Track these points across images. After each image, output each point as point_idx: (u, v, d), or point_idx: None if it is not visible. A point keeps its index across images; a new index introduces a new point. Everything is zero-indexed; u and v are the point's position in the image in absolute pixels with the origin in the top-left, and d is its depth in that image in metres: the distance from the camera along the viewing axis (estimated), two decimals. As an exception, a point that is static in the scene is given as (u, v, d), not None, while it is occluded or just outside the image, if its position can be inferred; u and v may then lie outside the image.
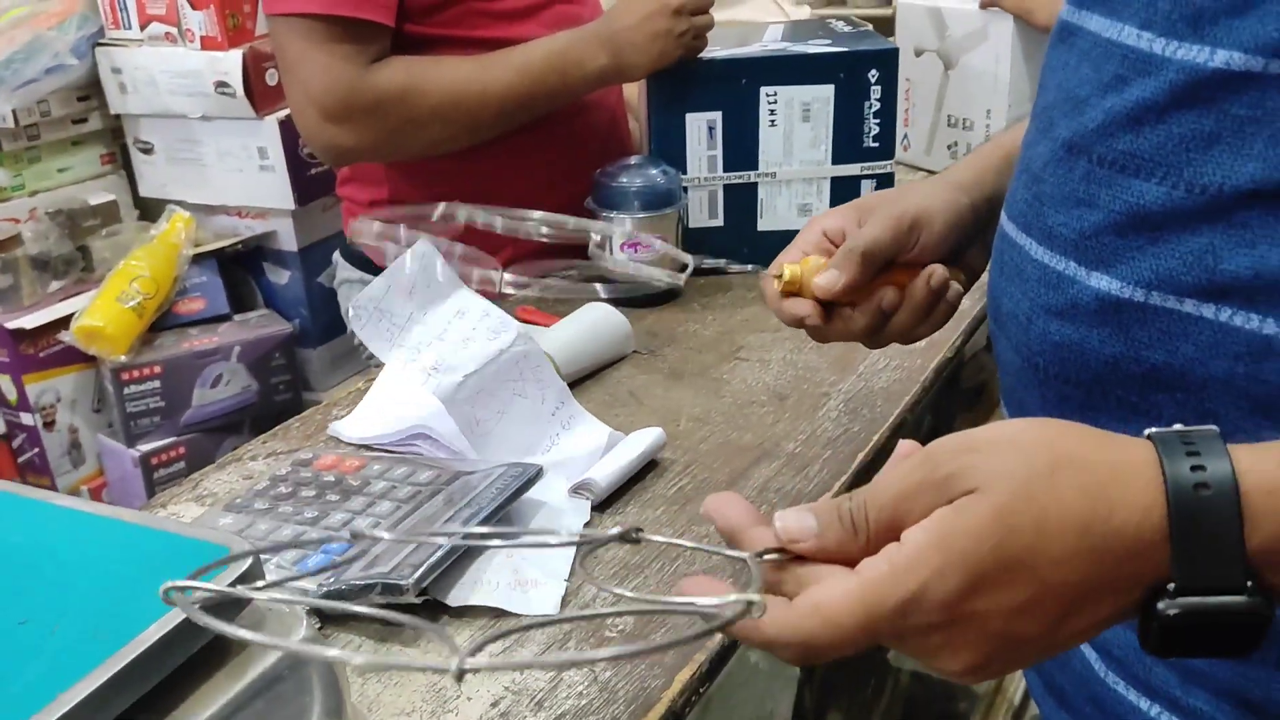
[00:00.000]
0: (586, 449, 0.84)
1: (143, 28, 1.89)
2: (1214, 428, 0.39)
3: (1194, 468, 0.38)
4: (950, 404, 1.31)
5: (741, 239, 1.24)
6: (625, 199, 1.15)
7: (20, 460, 1.99)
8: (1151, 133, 0.47)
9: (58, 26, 1.84)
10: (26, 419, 1.93)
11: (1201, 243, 0.46)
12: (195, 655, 0.47)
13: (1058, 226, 0.51)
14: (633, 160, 1.19)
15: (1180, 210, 0.46)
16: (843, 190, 1.23)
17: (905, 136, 1.63)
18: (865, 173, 1.24)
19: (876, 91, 1.21)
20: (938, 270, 0.69)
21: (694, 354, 1.06)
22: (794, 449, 0.88)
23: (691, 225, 1.23)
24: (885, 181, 1.24)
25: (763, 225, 1.25)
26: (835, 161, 1.23)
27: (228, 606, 0.49)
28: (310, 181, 1.94)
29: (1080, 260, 0.50)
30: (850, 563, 0.40)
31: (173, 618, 0.46)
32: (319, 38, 1.09)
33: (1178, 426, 0.40)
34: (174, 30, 1.86)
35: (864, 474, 0.86)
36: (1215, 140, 0.45)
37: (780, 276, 0.70)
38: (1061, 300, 0.51)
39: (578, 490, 0.80)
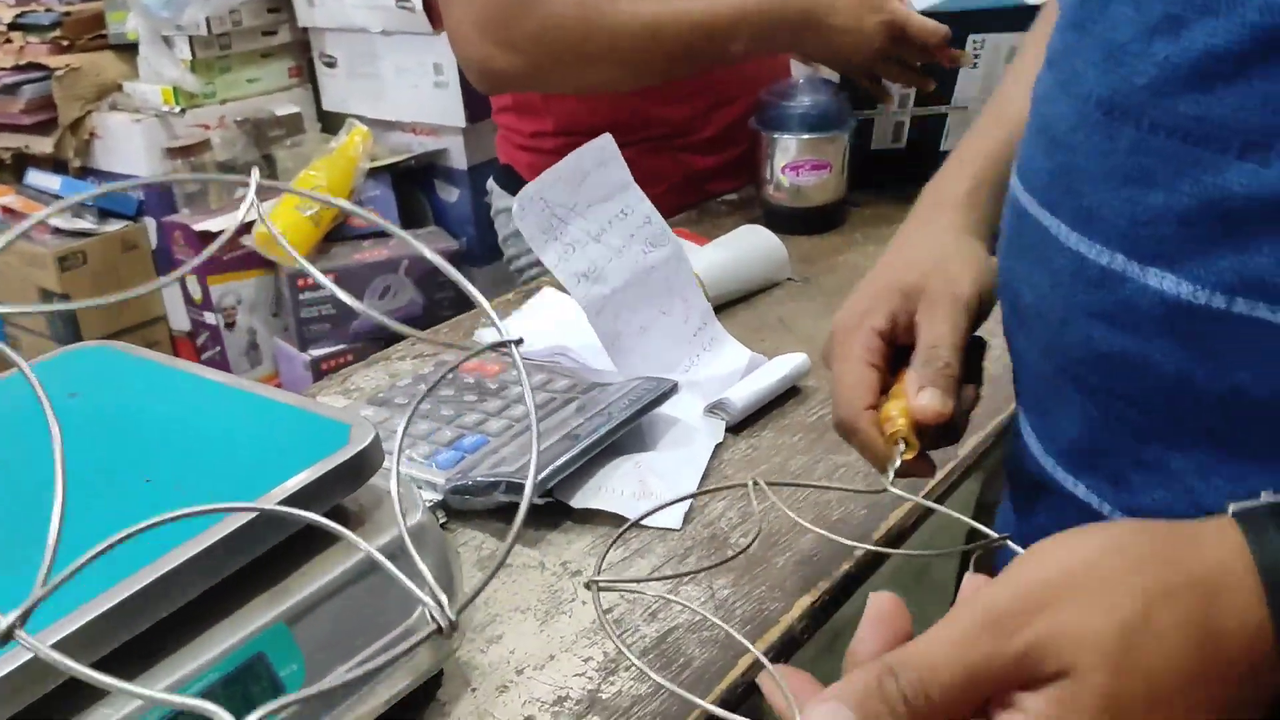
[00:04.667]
0: (726, 370, 0.82)
1: (331, -59, 1.93)
2: None
3: None
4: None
5: (924, 164, 1.18)
6: (790, 120, 1.11)
7: (203, 357, 2.10)
8: (1227, 93, 0.36)
9: (252, -62, 1.91)
10: (210, 318, 2.04)
11: None
12: (309, 531, 0.48)
13: (1100, 209, 0.41)
14: (800, 80, 1.14)
15: (1274, 193, 0.36)
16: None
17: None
18: None
19: None
20: (970, 391, 0.55)
21: (850, 284, 1.00)
22: (948, 386, 0.83)
23: (874, 147, 1.19)
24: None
25: (946, 146, 1.18)
26: None
27: (347, 480, 0.49)
28: (482, 100, 1.95)
29: (1133, 253, 0.40)
30: None
31: (291, 485, 0.47)
32: None
33: (1266, 497, 0.33)
34: (360, -56, 1.89)
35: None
36: None
37: (903, 441, 0.51)
38: (1110, 301, 0.41)
39: (713, 410, 0.77)
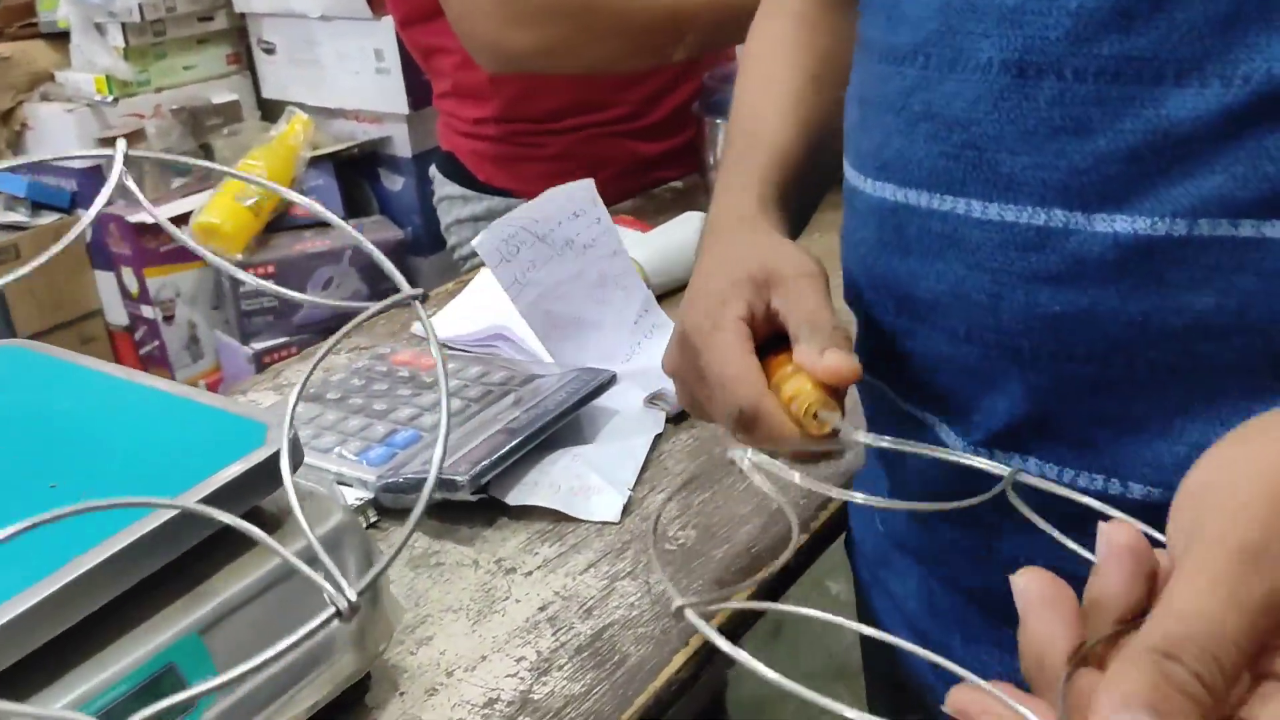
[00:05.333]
0: (666, 358, 0.81)
1: (266, -76, 1.89)
2: None
3: None
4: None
5: None
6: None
7: (142, 352, 2.06)
8: (1147, 28, 0.37)
9: (184, -78, 1.86)
10: (147, 312, 1.99)
11: (1253, 147, 0.36)
12: (228, 532, 0.46)
13: (1025, 171, 0.41)
14: (742, 64, 1.12)
15: (1218, 112, 0.37)
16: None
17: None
18: None
19: None
20: None
21: (793, 270, 1.01)
22: (889, 372, 0.82)
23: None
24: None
25: None
26: None
27: (263, 482, 0.47)
28: (425, 86, 1.92)
29: (1074, 204, 0.40)
30: None
31: (203, 488, 0.45)
32: None
33: None
34: (296, -73, 1.85)
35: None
36: (1237, 21, 0.36)
37: (826, 413, 0.45)
38: (1051, 260, 0.41)
39: (653, 400, 0.76)
